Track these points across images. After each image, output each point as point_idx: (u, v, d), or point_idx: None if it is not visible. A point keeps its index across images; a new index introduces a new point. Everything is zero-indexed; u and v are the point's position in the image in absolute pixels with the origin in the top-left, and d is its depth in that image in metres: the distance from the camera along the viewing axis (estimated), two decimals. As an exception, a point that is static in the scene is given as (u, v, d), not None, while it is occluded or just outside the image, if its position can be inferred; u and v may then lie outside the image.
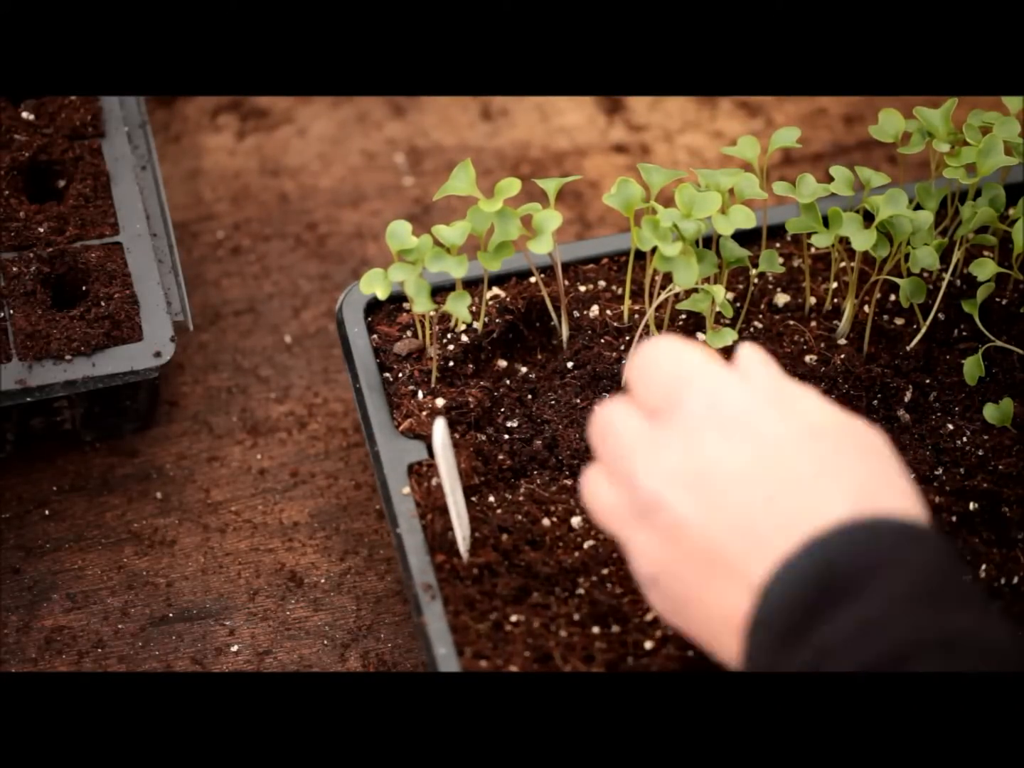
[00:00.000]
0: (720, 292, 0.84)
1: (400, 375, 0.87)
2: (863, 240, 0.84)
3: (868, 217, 0.86)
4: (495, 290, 0.91)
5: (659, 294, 0.86)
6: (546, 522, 0.83)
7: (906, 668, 0.61)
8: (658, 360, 0.72)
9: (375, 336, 0.89)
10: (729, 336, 0.86)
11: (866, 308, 0.90)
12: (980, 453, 0.87)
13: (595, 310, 0.90)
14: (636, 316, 0.90)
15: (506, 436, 0.86)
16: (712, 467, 0.68)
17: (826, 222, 0.85)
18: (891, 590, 0.63)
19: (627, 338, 0.89)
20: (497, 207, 0.82)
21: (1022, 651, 0.63)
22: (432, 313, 0.85)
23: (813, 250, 0.93)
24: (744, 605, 0.66)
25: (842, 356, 0.88)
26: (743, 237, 0.89)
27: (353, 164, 1.08)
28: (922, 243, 0.86)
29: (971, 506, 0.85)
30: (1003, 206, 0.88)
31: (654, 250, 0.82)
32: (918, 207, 0.88)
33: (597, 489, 0.73)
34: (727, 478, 0.67)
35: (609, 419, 0.72)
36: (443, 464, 0.78)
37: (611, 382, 0.88)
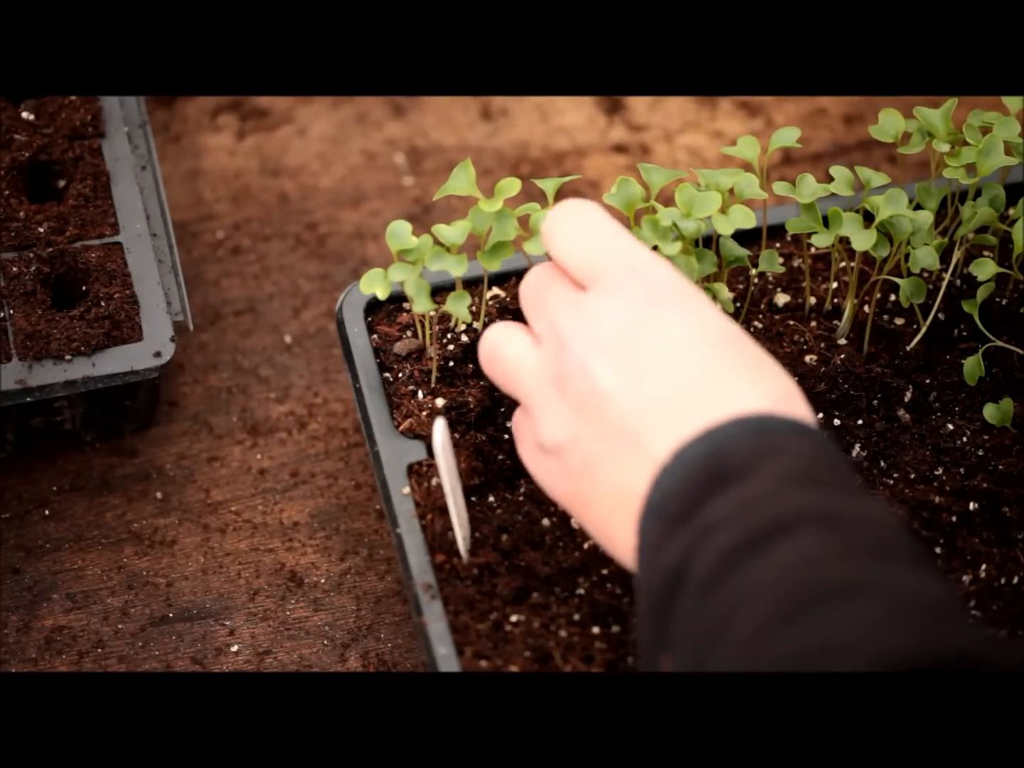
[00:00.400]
0: (720, 292, 0.84)
1: (400, 375, 0.87)
2: (863, 240, 0.84)
3: (868, 217, 0.86)
4: (495, 290, 0.90)
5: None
6: (546, 522, 0.83)
7: (787, 538, 0.63)
8: (589, 232, 0.74)
9: (375, 336, 0.89)
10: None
11: (866, 308, 0.90)
12: (980, 453, 0.87)
13: (595, 310, 0.90)
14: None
15: (506, 436, 0.86)
16: (644, 345, 0.69)
17: (826, 222, 0.85)
18: (776, 472, 0.65)
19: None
20: (497, 207, 0.82)
21: (899, 524, 0.65)
22: (432, 313, 0.85)
23: (813, 250, 0.93)
24: (643, 485, 0.67)
25: (842, 356, 0.88)
26: (743, 237, 0.89)
27: (353, 164, 1.08)
28: (922, 243, 0.86)
29: (971, 506, 0.85)
30: (1003, 206, 0.88)
31: (654, 249, 0.82)
32: (918, 207, 0.88)
33: (517, 345, 0.75)
34: (656, 357, 0.69)
35: (547, 283, 0.74)
36: (443, 464, 0.78)
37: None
